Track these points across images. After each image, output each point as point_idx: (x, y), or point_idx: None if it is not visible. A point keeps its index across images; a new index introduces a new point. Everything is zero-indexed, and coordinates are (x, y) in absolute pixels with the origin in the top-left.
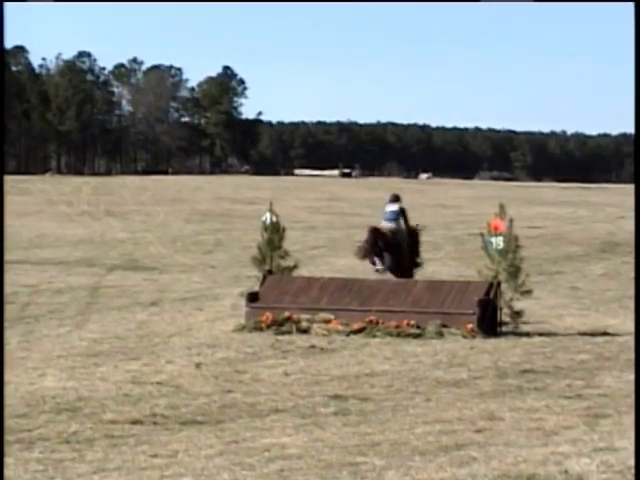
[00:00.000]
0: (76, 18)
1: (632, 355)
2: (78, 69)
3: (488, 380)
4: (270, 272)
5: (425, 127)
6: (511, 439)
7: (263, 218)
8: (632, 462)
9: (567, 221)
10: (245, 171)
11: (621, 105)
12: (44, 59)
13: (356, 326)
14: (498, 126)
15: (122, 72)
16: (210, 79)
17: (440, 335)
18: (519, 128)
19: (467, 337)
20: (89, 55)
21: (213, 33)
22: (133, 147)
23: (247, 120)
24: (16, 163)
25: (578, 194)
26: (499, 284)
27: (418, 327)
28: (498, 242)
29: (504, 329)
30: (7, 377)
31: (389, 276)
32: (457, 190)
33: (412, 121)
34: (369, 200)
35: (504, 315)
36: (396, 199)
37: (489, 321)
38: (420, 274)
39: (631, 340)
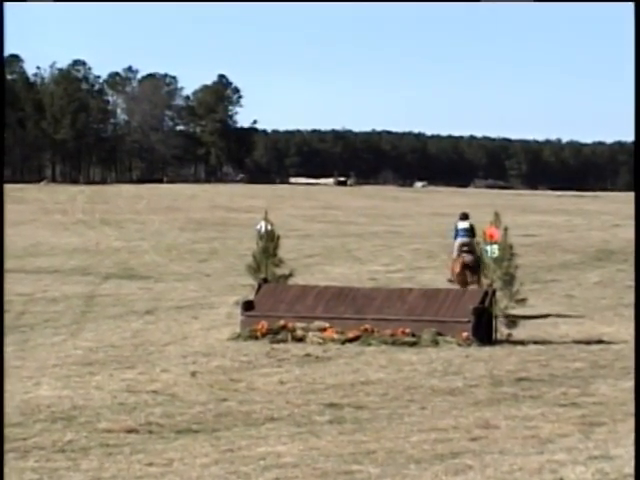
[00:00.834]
0: (71, 26)
1: (627, 363)
2: (73, 77)
3: (483, 388)
4: (265, 280)
5: (420, 135)
6: (506, 447)
7: (258, 226)
8: (628, 470)
9: (562, 229)
10: (240, 179)
11: (616, 113)
12: (39, 68)
13: (351, 334)
14: (493, 134)
15: (117, 80)
16: (205, 87)
17: (435, 343)
18: (514, 136)
19: (462, 345)
20: (84, 63)
21: (208, 41)
22: (128, 155)
23: (242, 128)
24: (11, 171)
25: (573, 202)
26: (494, 292)
27: (413, 335)
28: (493, 250)
29: (499, 337)
30: None
31: (384, 284)
32: (452, 198)
33: (407, 129)
34: (364, 208)
35: (499, 323)
36: (466, 217)
37: (484, 329)
38: (415, 282)
39: (626, 348)
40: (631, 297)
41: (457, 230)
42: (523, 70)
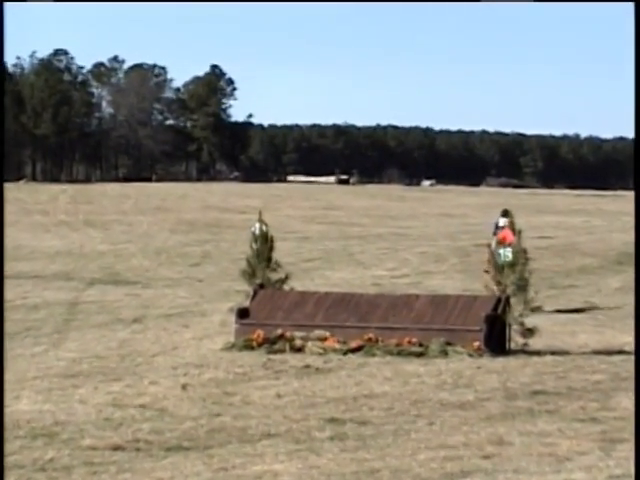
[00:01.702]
0: (52, 13)
1: None
2: (54, 68)
3: (496, 402)
4: (261, 286)
5: (428, 130)
6: (521, 465)
7: (252, 228)
8: None
9: (580, 231)
10: (234, 178)
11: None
12: (18, 58)
13: (354, 344)
14: (506, 129)
15: (102, 71)
16: (197, 79)
17: (444, 354)
18: (529, 131)
19: (473, 356)
20: (66, 53)
21: (200, 29)
22: (114, 152)
23: (237, 123)
24: None
25: (592, 202)
26: (508, 299)
27: (421, 345)
28: (506, 254)
29: (513, 347)
30: None
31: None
32: (462, 198)
33: (414, 124)
34: (368, 209)
35: (513, 332)
36: (506, 214)
37: (497, 338)
38: (422, 288)
39: None
40: None
41: (497, 227)
42: (539, 60)
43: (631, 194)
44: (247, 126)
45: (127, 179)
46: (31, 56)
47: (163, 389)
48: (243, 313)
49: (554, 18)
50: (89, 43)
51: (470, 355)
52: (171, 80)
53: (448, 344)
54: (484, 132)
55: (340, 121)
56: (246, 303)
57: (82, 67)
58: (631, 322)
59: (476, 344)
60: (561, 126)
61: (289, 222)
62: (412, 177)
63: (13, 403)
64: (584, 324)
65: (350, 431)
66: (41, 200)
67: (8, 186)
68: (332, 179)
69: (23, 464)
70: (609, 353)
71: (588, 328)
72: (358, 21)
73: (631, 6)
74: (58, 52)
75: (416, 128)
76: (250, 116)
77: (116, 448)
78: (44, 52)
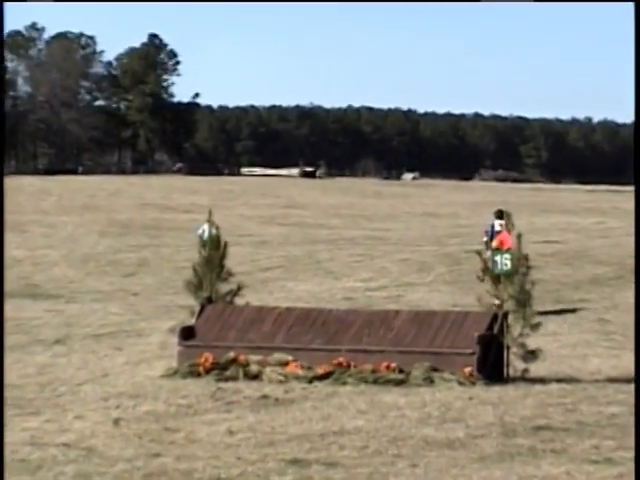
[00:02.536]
0: None
1: None
2: None
3: (491, 439)
4: (210, 300)
5: (410, 113)
6: None
7: (200, 231)
8: None
9: (593, 234)
10: (178, 170)
11: None
12: None
13: (321, 370)
14: (504, 112)
15: (18, 42)
16: (132, 51)
17: (429, 381)
18: (531, 114)
19: (464, 384)
20: None
21: None
22: (32, 139)
23: (180, 104)
24: None
25: (607, 199)
26: (505, 315)
27: (401, 371)
28: (504, 261)
29: (512, 373)
30: None
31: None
32: (451, 194)
33: (393, 105)
34: (338, 207)
35: (512, 355)
36: (501, 215)
37: (493, 363)
38: (404, 302)
39: None
40: None
41: (493, 230)
42: (542, 29)
43: None
44: (193, 108)
45: (48, 171)
46: None
47: (91, 424)
48: (187, 333)
49: None
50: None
51: (460, 383)
52: (101, 52)
53: (434, 370)
54: (477, 115)
55: (304, 102)
56: (191, 321)
57: None
58: None
59: (467, 370)
60: (570, 108)
61: (243, 223)
62: (391, 169)
63: None
64: (597, 346)
65: (316, 475)
66: None
67: None
68: (295, 171)
69: None
70: (627, 381)
71: (602, 351)
72: None
73: (631, 6)
74: None
75: (396, 110)
76: (196, 96)
77: None
78: None
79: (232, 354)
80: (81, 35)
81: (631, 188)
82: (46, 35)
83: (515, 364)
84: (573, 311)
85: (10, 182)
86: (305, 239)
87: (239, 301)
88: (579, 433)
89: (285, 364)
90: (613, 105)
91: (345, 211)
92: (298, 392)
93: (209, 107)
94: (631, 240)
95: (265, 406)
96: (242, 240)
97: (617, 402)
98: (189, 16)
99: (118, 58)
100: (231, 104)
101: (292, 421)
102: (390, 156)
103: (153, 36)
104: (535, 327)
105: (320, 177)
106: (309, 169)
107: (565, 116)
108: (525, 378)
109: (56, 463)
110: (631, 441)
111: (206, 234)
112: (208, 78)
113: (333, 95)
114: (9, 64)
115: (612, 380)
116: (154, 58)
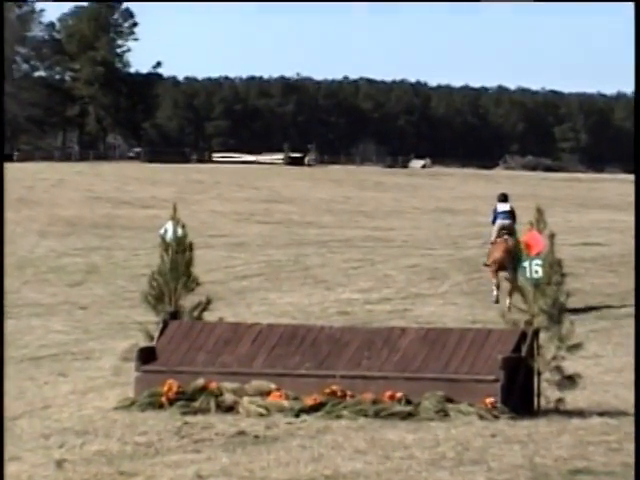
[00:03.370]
0: None
1: None
2: None
3: None
4: (174, 316)
5: (419, 86)
6: None
7: (162, 231)
8: None
9: None
10: (135, 156)
11: None
12: None
13: (310, 401)
14: (535, 85)
15: None
16: (79, 10)
17: (443, 414)
18: (568, 88)
19: (486, 418)
20: None
21: None
22: None
23: (138, 75)
24: None
25: None
26: (536, 334)
27: (408, 402)
28: (534, 268)
29: (544, 405)
30: None
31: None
32: (470, 185)
33: (399, 77)
34: (331, 201)
35: (544, 383)
36: (505, 198)
37: (520, 392)
38: (412, 318)
39: None
40: None
41: (496, 213)
42: None
43: None
44: (153, 80)
45: None
46: None
47: (28, 467)
48: (147, 355)
49: None
50: None
51: (481, 417)
52: (41, 12)
53: (448, 401)
54: (501, 89)
55: (290, 73)
56: (151, 341)
57: None
58: None
59: (489, 400)
60: (614, 81)
61: (216, 221)
62: (396, 155)
63: None
64: None
65: None
66: None
67: None
68: (279, 157)
69: None
70: None
71: None
72: None
73: (631, 6)
74: None
75: (401, 83)
76: (158, 65)
77: None
78: None
79: (201, 381)
80: None
81: None
82: None
83: (548, 393)
84: (619, 328)
85: None
86: (291, 240)
87: (210, 317)
88: (625, 477)
89: (266, 393)
90: None
91: (339, 206)
92: (282, 428)
93: (173, 79)
94: None
95: (242, 445)
96: (214, 242)
97: None
98: None
99: (62, 19)
100: (200, 75)
101: (275, 463)
102: (395, 139)
103: None
104: (572, 348)
105: (309, 165)
106: (296, 155)
107: (609, 90)
108: (560, 410)
109: None
110: None
111: (169, 234)
112: (172, 43)
113: (325, 65)
114: None
115: None
116: (106, 19)
